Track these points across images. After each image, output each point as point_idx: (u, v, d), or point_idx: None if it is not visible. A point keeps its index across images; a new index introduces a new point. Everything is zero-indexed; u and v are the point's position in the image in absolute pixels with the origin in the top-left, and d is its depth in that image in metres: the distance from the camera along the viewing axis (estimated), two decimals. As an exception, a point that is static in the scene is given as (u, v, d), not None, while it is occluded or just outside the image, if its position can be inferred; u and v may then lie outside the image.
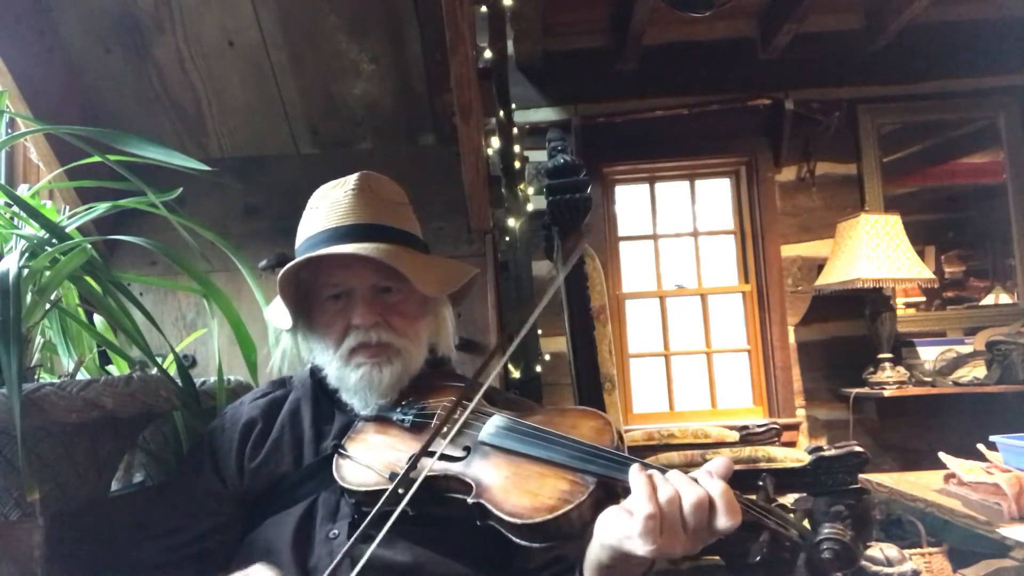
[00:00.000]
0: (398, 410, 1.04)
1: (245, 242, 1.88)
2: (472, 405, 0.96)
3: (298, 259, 1.05)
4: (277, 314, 1.11)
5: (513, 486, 0.86)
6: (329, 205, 1.10)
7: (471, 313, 1.80)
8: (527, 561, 0.97)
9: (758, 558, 0.75)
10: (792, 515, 0.79)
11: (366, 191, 1.11)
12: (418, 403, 1.04)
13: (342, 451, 1.00)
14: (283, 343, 1.16)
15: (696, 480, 0.77)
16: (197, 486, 1.07)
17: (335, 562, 0.84)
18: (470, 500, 0.87)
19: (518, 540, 0.83)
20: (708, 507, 0.75)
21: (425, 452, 0.91)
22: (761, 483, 0.81)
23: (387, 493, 0.86)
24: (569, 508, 0.81)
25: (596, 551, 0.83)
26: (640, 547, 0.75)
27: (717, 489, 0.75)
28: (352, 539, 0.84)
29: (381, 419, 1.05)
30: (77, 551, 0.99)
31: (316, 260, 1.05)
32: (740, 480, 0.80)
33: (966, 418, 3.24)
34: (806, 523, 0.80)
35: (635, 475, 0.79)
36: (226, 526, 1.05)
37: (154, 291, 1.89)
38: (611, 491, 0.85)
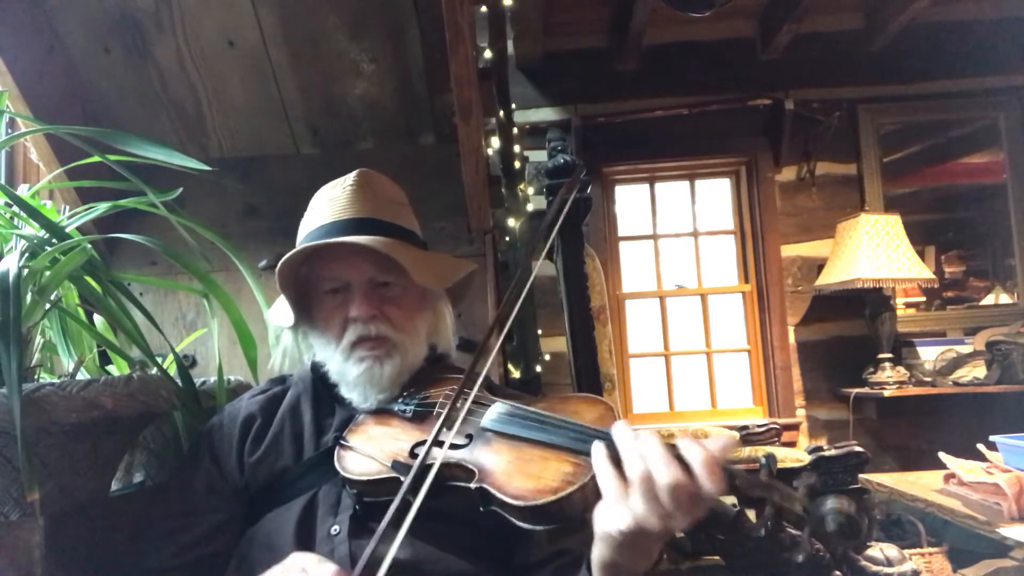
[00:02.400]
0: (399, 401, 1.04)
1: (245, 242, 1.88)
2: (474, 391, 0.95)
3: (296, 250, 1.05)
4: (278, 313, 1.12)
5: (516, 470, 0.86)
6: (328, 202, 1.11)
7: (471, 313, 1.80)
8: (529, 556, 0.97)
9: (763, 532, 0.75)
10: (796, 488, 0.79)
11: (364, 187, 1.11)
12: (419, 394, 1.05)
13: (344, 443, 1.00)
14: (284, 341, 1.16)
15: (671, 450, 0.75)
16: (197, 484, 1.07)
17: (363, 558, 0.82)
18: (473, 486, 0.87)
19: (521, 524, 0.83)
20: (685, 474, 0.73)
21: (435, 443, 0.91)
22: (764, 460, 0.81)
23: (405, 485, 0.85)
24: (572, 489, 0.81)
25: (598, 549, 0.82)
26: (621, 519, 0.74)
27: (698, 455, 0.73)
28: (375, 539, 0.82)
29: (382, 411, 1.05)
30: (77, 551, 0.99)
31: (315, 254, 1.05)
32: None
33: (966, 418, 3.24)
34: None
35: (593, 449, 0.79)
36: (228, 524, 1.05)
37: (154, 291, 1.89)
38: None
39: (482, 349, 0.99)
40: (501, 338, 1.06)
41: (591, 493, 0.82)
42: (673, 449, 0.75)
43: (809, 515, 0.76)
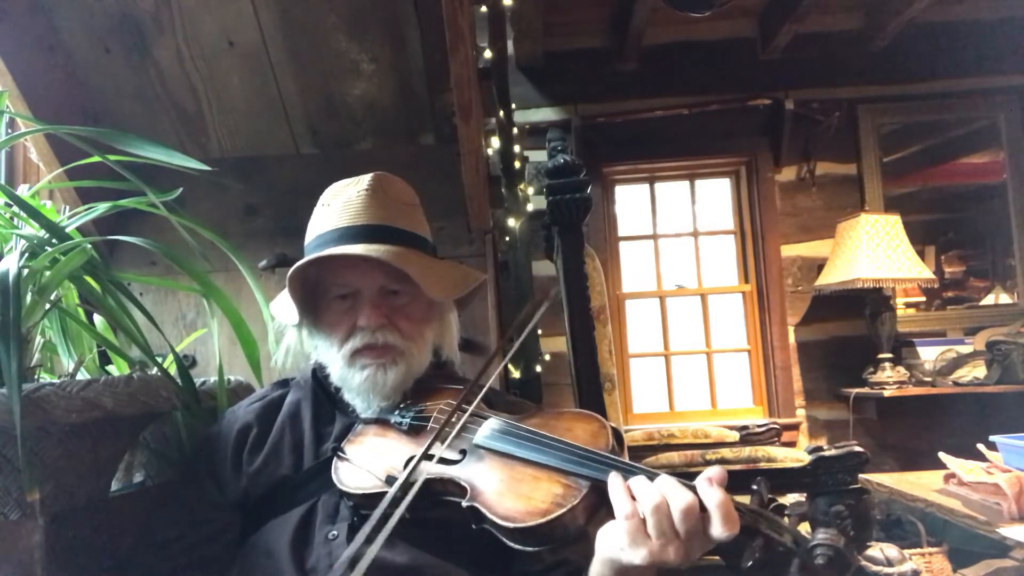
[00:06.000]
0: (396, 412, 1.04)
1: (245, 242, 1.88)
2: (471, 410, 0.96)
3: (308, 257, 1.05)
4: (282, 310, 1.11)
5: (507, 489, 0.86)
6: (342, 204, 1.10)
7: (472, 313, 1.80)
8: (528, 564, 0.97)
9: (750, 563, 0.75)
10: (787, 520, 0.79)
11: (379, 192, 1.11)
12: (416, 405, 1.04)
13: (341, 454, 1.00)
14: (288, 339, 1.16)
15: (689, 486, 0.77)
16: (193, 494, 1.08)
17: (341, 561, 0.83)
18: (464, 503, 0.87)
19: (512, 544, 0.83)
20: (699, 511, 0.75)
21: (424, 457, 0.91)
22: (755, 487, 0.81)
23: (386, 499, 0.85)
24: (562, 512, 0.81)
25: (597, 568, 0.83)
26: (633, 555, 0.75)
27: (715, 498, 0.74)
28: (353, 544, 0.83)
29: (380, 422, 1.05)
30: (77, 551, 0.99)
31: (325, 258, 1.05)
32: (739, 481, 0.80)
33: (966, 418, 3.24)
34: (803, 527, 0.80)
35: (611, 481, 0.79)
36: (222, 532, 1.05)
37: (154, 291, 1.89)
38: (605, 495, 0.85)
39: (484, 370, 0.98)
40: (502, 365, 1.06)
41: (581, 515, 0.82)
42: (692, 489, 0.77)
43: (798, 547, 0.76)
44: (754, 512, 0.78)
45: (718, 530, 0.73)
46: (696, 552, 0.76)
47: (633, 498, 0.76)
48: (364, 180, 1.12)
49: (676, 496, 0.75)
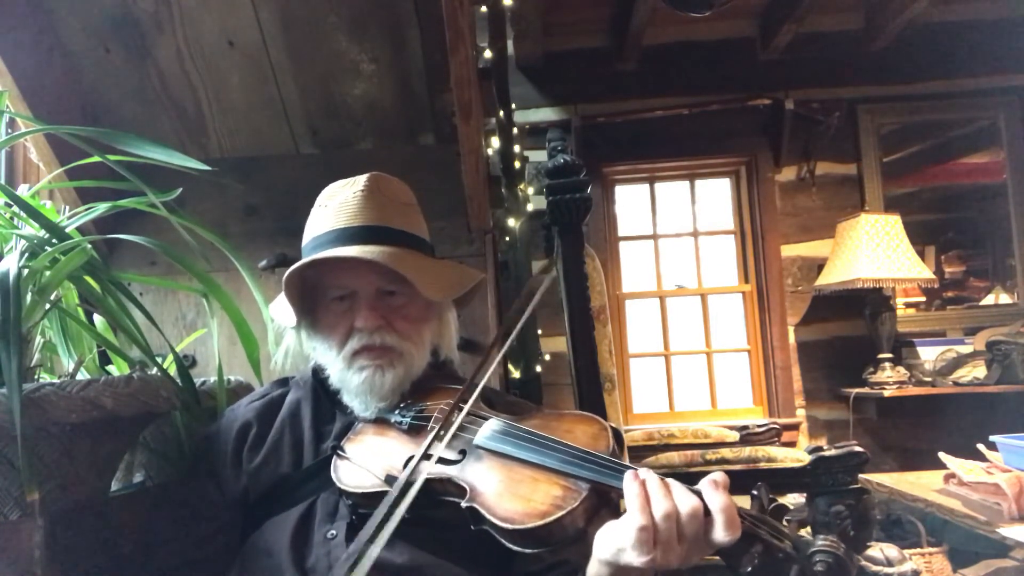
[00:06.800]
0: (396, 412, 1.04)
1: (245, 242, 1.88)
2: (467, 408, 0.96)
3: (303, 260, 1.05)
4: (281, 312, 1.11)
5: (506, 491, 0.86)
6: (338, 205, 1.10)
7: (471, 313, 1.80)
8: (528, 564, 0.97)
9: (749, 568, 0.75)
10: (787, 525, 0.79)
11: (375, 192, 1.11)
12: (416, 405, 1.04)
13: (340, 453, 1.00)
14: (287, 341, 1.16)
15: (695, 491, 0.78)
16: (193, 493, 1.08)
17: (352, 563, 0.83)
18: (463, 504, 0.87)
19: (511, 545, 0.83)
20: (704, 519, 0.75)
21: (424, 457, 0.91)
22: (755, 492, 0.81)
23: (390, 499, 0.85)
24: (561, 514, 0.81)
25: (595, 567, 0.83)
26: (635, 559, 0.75)
27: (719, 502, 0.75)
28: (355, 544, 0.83)
29: (380, 421, 1.05)
30: (77, 551, 0.99)
31: (321, 261, 1.05)
32: (739, 482, 0.80)
33: (966, 418, 3.24)
34: (805, 532, 0.80)
35: (629, 484, 0.79)
36: (222, 531, 1.06)
37: (154, 291, 1.89)
38: (605, 498, 0.85)
39: (481, 365, 0.98)
40: (498, 358, 1.05)
41: (580, 517, 0.82)
42: (697, 494, 0.77)
43: (798, 553, 0.76)
44: (754, 517, 0.78)
45: (720, 534, 0.74)
46: (696, 556, 0.76)
47: (649, 506, 0.77)
48: (360, 181, 1.12)
49: (683, 501, 0.76)
